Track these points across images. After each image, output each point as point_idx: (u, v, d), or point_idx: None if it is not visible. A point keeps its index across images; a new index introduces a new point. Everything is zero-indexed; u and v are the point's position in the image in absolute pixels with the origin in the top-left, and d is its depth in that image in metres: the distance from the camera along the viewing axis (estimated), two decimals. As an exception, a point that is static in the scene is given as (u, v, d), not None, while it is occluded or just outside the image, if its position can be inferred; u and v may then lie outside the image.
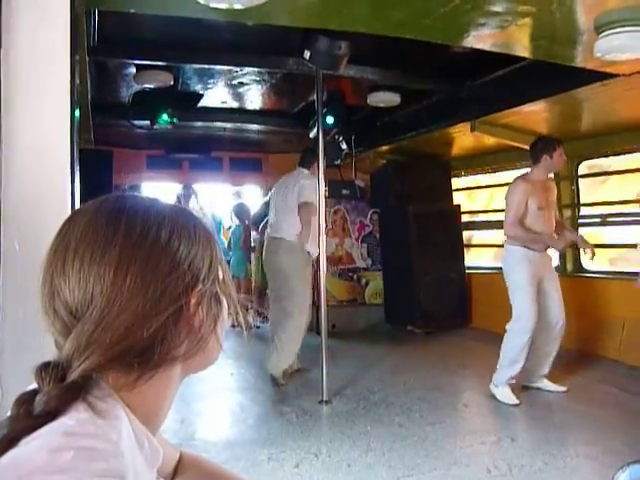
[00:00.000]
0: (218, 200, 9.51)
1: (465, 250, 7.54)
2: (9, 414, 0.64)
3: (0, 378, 1.26)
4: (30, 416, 0.62)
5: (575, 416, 4.17)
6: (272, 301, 5.27)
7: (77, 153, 2.81)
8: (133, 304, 0.67)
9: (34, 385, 0.66)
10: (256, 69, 5.38)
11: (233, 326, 0.86)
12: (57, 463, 0.56)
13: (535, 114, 5.18)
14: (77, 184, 1.64)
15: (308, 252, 4.98)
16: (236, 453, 3.50)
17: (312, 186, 4.86)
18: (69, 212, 1.41)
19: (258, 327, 7.80)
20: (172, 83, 5.48)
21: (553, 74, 4.29)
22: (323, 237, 4.63)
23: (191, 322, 0.73)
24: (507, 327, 4.41)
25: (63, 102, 1.48)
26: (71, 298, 0.67)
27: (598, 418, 4.03)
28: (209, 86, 6.04)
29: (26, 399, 0.64)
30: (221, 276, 0.79)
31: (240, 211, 8.35)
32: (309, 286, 5.06)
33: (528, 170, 4.60)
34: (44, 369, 0.65)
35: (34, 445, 0.59)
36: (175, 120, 6.43)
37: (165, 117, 6.34)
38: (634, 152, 5.46)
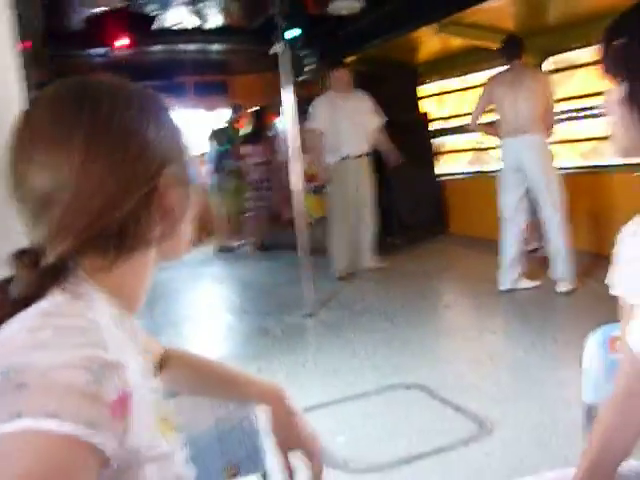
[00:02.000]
0: (189, 126, 9.32)
1: (438, 157, 7.53)
2: None
3: None
4: (7, 302, 0.62)
5: (556, 308, 4.30)
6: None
7: (32, 86, 2.71)
8: (104, 186, 0.65)
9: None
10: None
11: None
12: (37, 341, 0.57)
13: (500, 10, 5.07)
14: None
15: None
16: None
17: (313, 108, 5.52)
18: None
19: (233, 250, 7.81)
20: (123, 5, 5.26)
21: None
22: (295, 155, 4.59)
23: (163, 204, 0.72)
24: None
25: (4, 34, 1.40)
26: (38, 184, 0.65)
27: (578, 308, 4.16)
28: (164, 5, 5.81)
29: (2, 286, 0.64)
30: (188, 162, 0.78)
31: (216, 135, 8.16)
32: None
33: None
34: (20, 255, 0.65)
35: (13, 327, 0.60)
36: (131, 45, 6.19)
37: (121, 41, 6.09)
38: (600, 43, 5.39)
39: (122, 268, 0.70)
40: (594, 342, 1.23)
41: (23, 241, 0.68)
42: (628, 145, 0.94)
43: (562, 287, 4.40)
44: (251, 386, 1.09)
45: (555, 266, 4.45)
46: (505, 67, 4.63)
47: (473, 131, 4.84)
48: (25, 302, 0.62)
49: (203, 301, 5.57)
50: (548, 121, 4.52)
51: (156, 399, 0.74)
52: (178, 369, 1.06)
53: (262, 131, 7.71)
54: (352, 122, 5.39)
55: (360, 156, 5.50)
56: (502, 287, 4.49)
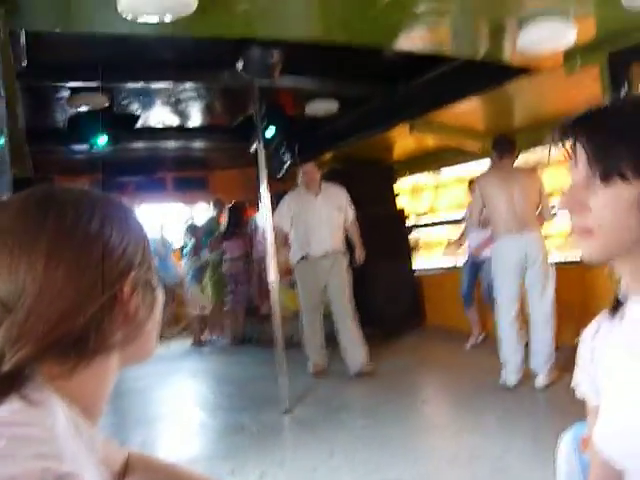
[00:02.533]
0: (167, 221, 9.40)
1: (415, 251, 7.65)
2: None
3: None
4: None
5: (535, 404, 4.26)
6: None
7: (9, 184, 2.76)
8: (66, 292, 0.67)
9: None
10: (193, 85, 5.38)
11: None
12: None
13: (469, 111, 5.33)
14: None
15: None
16: (198, 469, 3.44)
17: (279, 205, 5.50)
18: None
19: (211, 344, 7.75)
20: (108, 105, 5.42)
21: (483, 71, 4.43)
22: (272, 250, 4.63)
23: (126, 309, 0.73)
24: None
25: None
26: (2, 290, 0.66)
27: (558, 405, 4.11)
28: (146, 105, 6.00)
29: None
30: (153, 266, 0.80)
31: (191, 230, 8.27)
32: None
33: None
34: None
35: None
36: (112, 143, 6.32)
37: (103, 140, 6.23)
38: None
39: (82, 374, 0.70)
40: (566, 442, 1.23)
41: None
42: (613, 249, 0.89)
43: (541, 381, 4.41)
44: None
45: (537, 359, 4.46)
46: (489, 165, 4.82)
47: (475, 226, 4.98)
48: None
49: (176, 397, 5.43)
50: (545, 215, 4.66)
51: None
52: (141, 476, 1.03)
53: (238, 226, 7.82)
54: (319, 219, 5.37)
55: (326, 254, 5.36)
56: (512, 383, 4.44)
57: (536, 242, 4.51)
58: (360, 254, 5.55)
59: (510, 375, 4.43)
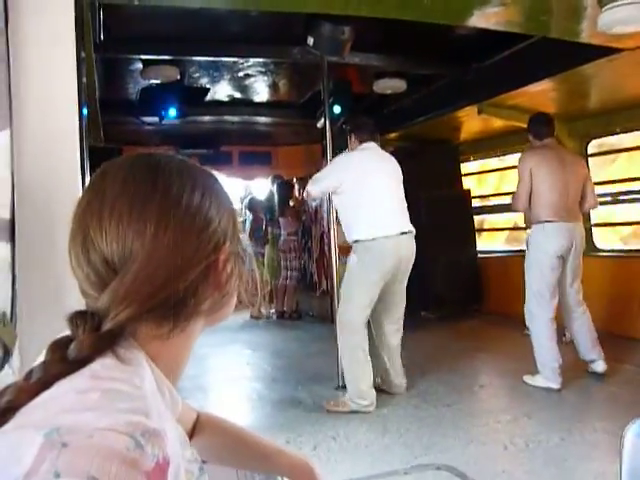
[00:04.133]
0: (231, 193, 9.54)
1: (477, 234, 7.54)
2: (42, 358, 0.67)
3: (20, 346, 1.30)
4: (63, 362, 0.65)
5: (592, 393, 4.18)
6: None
7: (87, 151, 2.84)
8: (171, 258, 0.70)
9: (66, 332, 0.69)
10: (261, 60, 5.41)
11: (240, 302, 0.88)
12: (84, 403, 0.59)
13: (542, 94, 5.16)
14: (87, 180, 1.68)
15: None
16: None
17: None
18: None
19: (270, 317, 7.91)
20: (179, 78, 5.52)
21: (558, 52, 4.27)
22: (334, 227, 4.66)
23: (219, 277, 0.77)
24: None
25: (71, 99, 1.50)
26: (108, 251, 0.70)
27: (615, 395, 4.04)
28: (215, 79, 6.07)
29: (60, 345, 0.67)
30: (242, 239, 0.84)
31: (252, 204, 8.41)
32: None
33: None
34: (79, 317, 0.68)
35: (63, 388, 0.62)
36: (181, 115, 6.45)
37: (173, 112, 6.36)
38: (644, 129, 5.43)
39: (174, 338, 0.74)
40: (632, 434, 1.19)
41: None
42: None
43: (597, 367, 4.34)
44: (281, 458, 1.08)
45: (585, 348, 4.36)
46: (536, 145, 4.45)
47: (522, 212, 4.67)
48: (80, 364, 0.65)
49: (233, 367, 5.56)
50: (592, 204, 4.48)
51: (191, 470, 0.75)
52: (209, 437, 1.07)
53: (288, 203, 7.92)
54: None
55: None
56: (557, 386, 4.19)
57: (582, 234, 4.37)
58: None
59: (552, 381, 4.20)
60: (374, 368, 4.14)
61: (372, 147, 4.29)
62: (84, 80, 1.85)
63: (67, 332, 0.69)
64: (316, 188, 4.30)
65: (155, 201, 0.71)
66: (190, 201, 0.74)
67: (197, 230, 0.73)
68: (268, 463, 1.09)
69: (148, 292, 0.68)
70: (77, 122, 1.47)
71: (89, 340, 0.66)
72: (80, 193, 1.40)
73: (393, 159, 4.37)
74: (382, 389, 4.29)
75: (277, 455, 1.09)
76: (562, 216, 4.28)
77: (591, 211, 5.86)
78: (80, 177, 1.48)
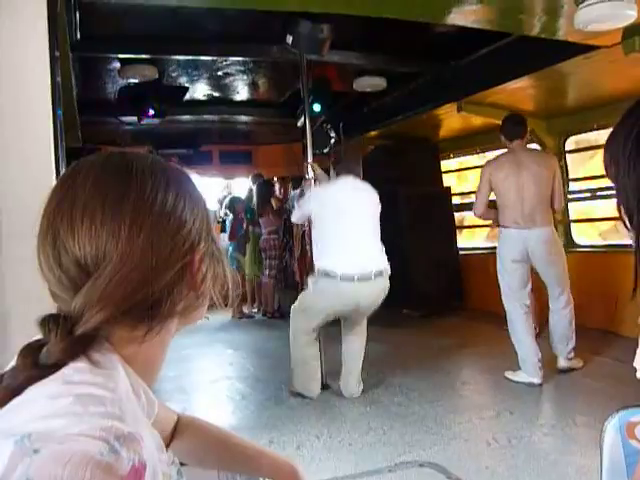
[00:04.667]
0: (210, 193, 9.52)
1: (457, 232, 7.58)
2: (13, 363, 0.66)
3: (9, 342, 1.28)
4: (35, 367, 0.64)
5: (572, 387, 4.21)
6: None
7: (63, 151, 2.80)
8: (145, 259, 0.69)
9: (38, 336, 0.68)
10: (240, 59, 5.39)
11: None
12: (56, 408, 0.58)
13: (520, 91, 5.20)
14: None
15: None
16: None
17: None
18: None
19: (252, 317, 7.89)
20: (157, 77, 5.47)
21: (537, 49, 4.30)
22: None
23: (194, 278, 0.76)
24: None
25: (44, 99, 1.47)
26: (81, 253, 0.68)
27: (595, 388, 4.08)
28: (194, 78, 6.04)
29: (32, 350, 0.66)
30: (217, 240, 0.83)
31: (233, 203, 8.37)
32: None
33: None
34: (51, 321, 0.66)
35: (35, 393, 0.61)
36: (160, 115, 6.39)
37: (151, 112, 6.31)
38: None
39: (148, 340, 0.73)
40: (611, 428, 1.21)
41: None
42: None
43: (571, 364, 4.42)
44: (264, 460, 1.08)
45: (561, 344, 4.42)
46: (504, 150, 4.51)
47: (480, 218, 4.70)
48: (52, 369, 0.63)
49: (215, 368, 5.53)
50: (556, 205, 4.46)
51: (168, 473, 0.74)
52: (190, 439, 1.06)
53: (268, 202, 7.91)
54: None
55: None
56: (538, 380, 4.22)
57: (541, 240, 4.32)
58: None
59: (534, 376, 4.24)
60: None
61: (349, 180, 4.28)
62: (58, 79, 1.82)
63: (39, 336, 0.68)
64: (295, 216, 4.65)
65: (129, 202, 0.70)
66: (164, 201, 0.73)
67: (172, 231, 0.72)
68: (251, 465, 1.08)
69: (122, 294, 0.67)
70: (51, 122, 1.44)
71: (62, 344, 0.65)
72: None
73: (371, 190, 4.36)
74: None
75: (259, 456, 1.08)
76: (517, 222, 4.33)
77: (570, 207, 5.94)
78: (55, 177, 1.45)
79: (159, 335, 0.74)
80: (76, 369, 0.64)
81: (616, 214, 0.95)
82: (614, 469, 1.19)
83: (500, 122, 5.40)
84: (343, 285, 4.02)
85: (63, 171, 1.75)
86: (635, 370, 1.03)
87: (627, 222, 0.91)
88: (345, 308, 4.15)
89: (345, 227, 4.11)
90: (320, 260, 4.18)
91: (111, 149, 0.78)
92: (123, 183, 0.71)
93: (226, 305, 0.87)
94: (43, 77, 1.48)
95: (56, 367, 0.64)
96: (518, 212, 4.32)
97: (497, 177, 4.37)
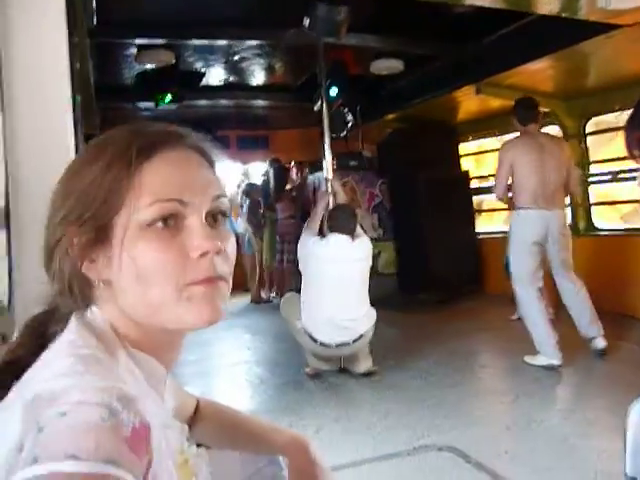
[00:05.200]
0: (228, 179, 9.52)
1: (476, 215, 7.53)
2: (19, 335, 0.72)
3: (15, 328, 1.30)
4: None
5: (592, 371, 4.19)
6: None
7: (82, 137, 2.82)
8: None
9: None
10: (257, 43, 5.36)
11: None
12: (60, 368, 0.61)
13: (540, 72, 5.12)
14: None
15: None
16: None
17: None
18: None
19: (270, 301, 7.90)
20: (174, 62, 5.47)
21: (556, 29, 4.23)
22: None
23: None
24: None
25: (63, 86, 1.47)
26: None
27: (615, 372, 4.05)
28: (211, 63, 6.03)
29: (37, 320, 0.73)
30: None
31: (250, 189, 8.38)
32: None
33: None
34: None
35: (46, 356, 0.65)
36: (177, 100, 6.39)
37: (168, 97, 6.31)
38: (642, 106, 5.39)
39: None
40: (636, 411, 1.19)
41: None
42: None
43: (598, 344, 4.36)
44: (275, 436, 1.08)
45: (584, 325, 4.39)
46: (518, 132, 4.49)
47: (501, 201, 4.58)
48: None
49: (235, 352, 5.57)
50: (572, 189, 4.47)
51: (180, 442, 0.75)
52: (207, 422, 1.06)
53: (284, 187, 7.90)
54: None
55: None
56: (557, 362, 4.19)
57: (560, 222, 4.34)
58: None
59: (553, 358, 4.20)
60: None
61: (341, 241, 4.22)
62: (77, 66, 1.82)
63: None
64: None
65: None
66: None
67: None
68: (263, 442, 1.08)
69: None
70: (70, 109, 1.44)
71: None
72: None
73: (362, 244, 4.31)
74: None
75: (271, 433, 1.08)
76: (538, 203, 4.29)
77: (590, 190, 5.87)
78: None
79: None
80: (82, 335, 0.67)
81: (637, 196, 0.94)
82: (638, 452, 1.18)
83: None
84: (322, 349, 4.22)
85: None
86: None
87: None
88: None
89: (326, 295, 4.17)
90: (304, 316, 4.28)
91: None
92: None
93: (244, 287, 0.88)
94: (61, 64, 1.48)
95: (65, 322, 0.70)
96: (539, 193, 4.30)
97: (521, 159, 4.32)
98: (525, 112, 4.42)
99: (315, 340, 4.18)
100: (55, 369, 0.60)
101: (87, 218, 0.69)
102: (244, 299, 7.82)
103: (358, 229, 4.35)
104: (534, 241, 4.32)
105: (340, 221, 4.24)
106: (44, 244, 0.71)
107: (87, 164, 0.71)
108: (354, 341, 4.18)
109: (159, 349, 0.76)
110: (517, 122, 4.46)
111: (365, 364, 4.36)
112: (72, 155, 1.48)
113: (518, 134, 4.54)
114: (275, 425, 1.11)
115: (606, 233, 5.90)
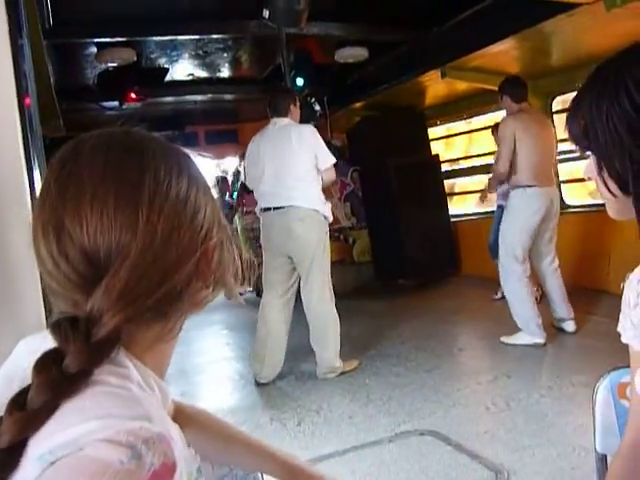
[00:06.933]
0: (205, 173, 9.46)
1: (448, 199, 7.57)
2: (29, 381, 0.58)
3: None
4: (64, 380, 0.57)
5: (567, 348, 4.25)
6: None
7: (36, 143, 2.76)
8: (166, 251, 0.64)
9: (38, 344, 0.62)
10: (219, 36, 5.30)
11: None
12: (81, 415, 0.55)
13: (504, 53, 5.14)
14: (37, 175, 1.58)
15: (325, 217, 4.22)
16: (238, 418, 3.54)
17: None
18: (28, 202, 1.38)
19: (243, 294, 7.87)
20: (135, 59, 5.39)
21: (518, 10, 4.27)
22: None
23: (209, 266, 0.71)
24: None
25: (8, 90, 1.42)
26: (91, 246, 0.61)
27: (589, 347, 4.11)
28: (174, 59, 5.95)
29: (50, 362, 0.59)
30: (226, 226, 0.77)
31: (221, 183, 8.34)
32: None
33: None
34: (67, 325, 0.60)
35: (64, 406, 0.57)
36: (142, 98, 6.31)
37: (132, 96, 6.22)
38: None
39: (165, 339, 0.69)
40: (603, 389, 1.20)
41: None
42: (618, 207, 0.96)
43: (568, 327, 4.44)
44: (275, 460, 1.00)
45: (558, 305, 4.46)
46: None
47: (503, 174, 4.41)
48: (80, 378, 0.58)
49: (213, 349, 5.55)
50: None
51: (189, 471, 0.70)
52: (195, 432, 1.02)
53: None
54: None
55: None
56: (542, 340, 4.24)
57: (557, 198, 4.44)
58: None
59: (538, 336, 4.25)
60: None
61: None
62: (25, 68, 1.77)
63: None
64: None
65: (144, 187, 0.64)
66: (179, 187, 0.67)
67: (189, 217, 0.67)
68: (251, 460, 1.01)
69: (144, 291, 0.61)
70: (17, 113, 1.39)
71: (85, 352, 0.58)
72: (26, 190, 1.32)
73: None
74: None
75: (262, 453, 1.01)
76: (541, 180, 4.31)
77: (559, 168, 5.92)
78: (26, 174, 1.41)
79: (172, 332, 0.69)
80: (97, 371, 0.59)
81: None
82: (606, 429, 1.19)
83: (485, 86, 5.36)
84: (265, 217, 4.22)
85: (36, 165, 1.72)
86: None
87: (609, 186, 0.91)
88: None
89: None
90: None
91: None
92: (135, 166, 0.65)
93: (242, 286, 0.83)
94: (5, 67, 1.43)
95: (83, 374, 0.58)
96: (540, 170, 4.31)
97: (524, 134, 4.28)
98: (518, 89, 4.42)
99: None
100: (76, 417, 0.54)
101: (218, 226, 0.73)
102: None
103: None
104: (540, 217, 4.33)
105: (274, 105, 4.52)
106: None
107: None
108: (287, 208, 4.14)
109: (168, 358, 0.75)
110: (511, 101, 4.42)
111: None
112: (23, 163, 1.44)
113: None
114: (260, 441, 1.03)
115: (576, 210, 5.97)
